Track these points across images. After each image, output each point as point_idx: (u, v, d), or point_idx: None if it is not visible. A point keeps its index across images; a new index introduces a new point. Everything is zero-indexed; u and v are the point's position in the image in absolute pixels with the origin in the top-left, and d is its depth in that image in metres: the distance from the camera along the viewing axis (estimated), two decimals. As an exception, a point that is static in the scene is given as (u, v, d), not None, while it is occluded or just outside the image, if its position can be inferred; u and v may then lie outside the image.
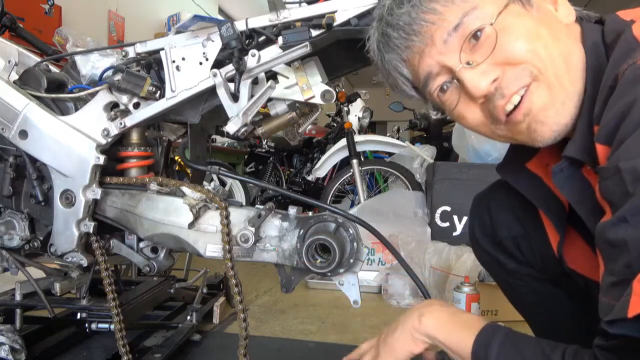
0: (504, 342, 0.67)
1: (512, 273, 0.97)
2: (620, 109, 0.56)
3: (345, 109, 3.69)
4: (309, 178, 4.17)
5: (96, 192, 1.11)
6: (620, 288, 0.53)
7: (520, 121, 0.68)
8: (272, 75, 1.05)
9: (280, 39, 0.99)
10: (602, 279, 0.58)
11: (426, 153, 3.32)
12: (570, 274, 0.84)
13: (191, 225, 1.06)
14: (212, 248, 1.07)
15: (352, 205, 3.51)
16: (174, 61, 1.05)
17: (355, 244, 1.02)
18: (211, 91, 1.05)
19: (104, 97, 1.11)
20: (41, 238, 1.18)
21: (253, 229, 1.03)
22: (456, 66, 0.68)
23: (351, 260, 1.03)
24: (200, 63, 1.04)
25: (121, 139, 1.17)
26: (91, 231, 1.11)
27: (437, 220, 2.66)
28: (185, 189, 1.08)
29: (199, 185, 1.09)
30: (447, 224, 2.66)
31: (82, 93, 1.13)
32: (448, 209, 2.66)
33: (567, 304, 0.94)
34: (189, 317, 1.65)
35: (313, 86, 1.03)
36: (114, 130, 1.10)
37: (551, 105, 0.67)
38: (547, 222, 0.86)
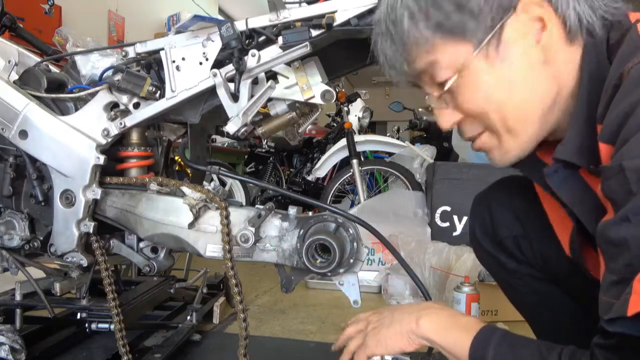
0: (500, 343, 0.68)
1: (513, 273, 0.98)
2: (624, 108, 0.56)
3: (345, 109, 3.69)
4: (309, 178, 4.17)
5: (96, 192, 1.11)
6: (620, 287, 0.53)
7: (477, 149, 0.76)
8: (272, 75, 1.05)
9: (280, 39, 0.99)
10: (602, 278, 0.58)
11: (426, 153, 3.32)
12: (584, 273, 0.82)
13: (191, 225, 1.06)
14: (212, 248, 1.07)
15: (352, 205, 3.51)
16: (174, 61, 1.05)
17: (355, 244, 1.02)
18: (211, 91, 1.05)
19: (104, 97, 1.11)
20: (41, 238, 1.18)
21: (253, 229, 1.03)
22: (429, 102, 0.75)
23: (351, 260, 1.03)
24: (200, 63, 1.04)
25: (121, 139, 1.17)
26: (91, 231, 1.11)
27: (437, 220, 2.66)
28: (185, 189, 1.08)
29: (199, 185, 1.09)
30: (447, 224, 2.66)
31: (82, 93, 1.13)
32: (448, 209, 2.66)
33: (568, 304, 0.94)
34: (189, 317, 1.65)
35: (313, 86, 1.03)
36: (114, 130, 1.10)
37: (500, 151, 0.73)
38: (557, 221, 0.85)
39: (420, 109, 4.18)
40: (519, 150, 0.72)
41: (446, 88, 0.69)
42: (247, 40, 1.01)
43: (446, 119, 0.74)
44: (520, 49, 0.66)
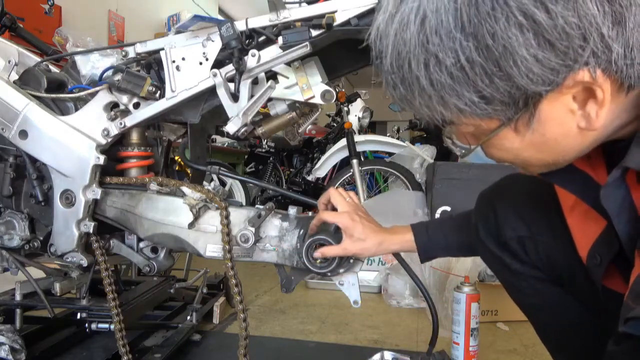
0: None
1: (517, 274, 0.97)
2: None
3: (345, 109, 3.69)
4: (309, 178, 4.16)
5: (96, 192, 1.11)
6: None
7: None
8: (272, 75, 1.05)
9: (280, 39, 0.99)
10: (634, 282, 0.55)
11: (426, 153, 3.32)
12: (595, 281, 0.80)
13: (191, 225, 1.06)
14: (212, 248, 1.07)
15: (352, 205, 3.50)
16: (174, 61, 1.05)
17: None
18: (211, 91, 1.05)
19: (104, 97, 1.11)
20: (41, 238, 1.18)
21: (253, 229, 1.03)
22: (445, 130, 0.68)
23: (351, 260, 1.03)
24: (200, 63, 1.04)
25: (121, 139, 1.17)
26: (91, 231, 1.11)
27: (437, 220, 2.66)
28: (185, 189, 1.08)
29: (199, 185, 1.09)
30: (447, 224, 2.65)
31: (82, 93, 1.13)
32: (448, 209, 2.65)
33: (573, 306, 0.93)
34: (189, 317, 1.65)
35: (313, 86, 1.03)
36: (114, 130, 1.10)
37: (528, 172, 0.69)
38: (578, 225, 0.80)
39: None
40: (569, 159, 0.65)
41: (472, 148, 0.64)
42: (247, 40, 1.01)
43: (463, 151, 0.67)
44: (557, 120, 0.56)
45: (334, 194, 1.04)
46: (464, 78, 0.52)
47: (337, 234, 1.01)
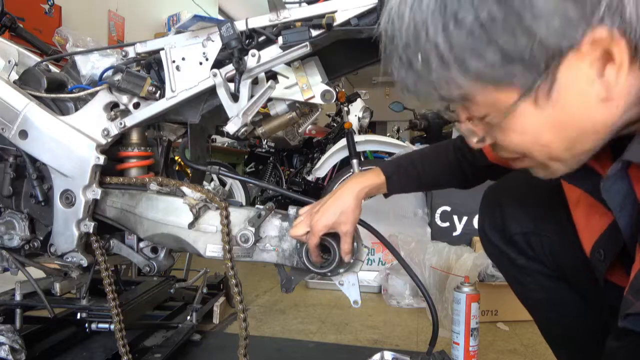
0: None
1: (522, 269, 0.97)
2: None
3: (345, 109, 3.68)
4: (309, 178, 4.16)
5: (96, 192, 1.11)
6: None
7: (516, 168, 0.68)
8: (272, 75, 1.05)
9: (280, 39, 0.99)
10: (634, 277, 0.55)
11: (426, 153, 3.32)
12: (598, 276, 0.79)
13: (191, 225, 1.06)
14: (212, 248, 1.07)
15: (352, 205, 3.50)
16: (174, 61, 1.05)
17: (355, 244, 1.02)
18: (211, 91, 1.05)
19: (104, 97, 1.11)
20: (41, 238, 1.18)
21: (253, 229, 1.03)
22: (456, 117, 0.66)
23: (351, 260, 1.03)
24: (200, 63, 1.04)
25: (121, 139, 1.17)
26: (91, 231, 1.11)
27: (437, 220, 2.66)
28: (185, 189, 1.08)
29: (199, 185, 1.09)
30: (447, 224, 2.65)
31: (82, 93, 1.13)
32: (448, 209, 2.65)
33: (576, 302, 0.93)
34: (189, 317, 1.65)
35: (313, 86, 1.03)
36: (114, 130, 1.10)
37: (545, 172, 0.65)
38: (582, 220, 0.80)
39: (422, 111, 4.17)
40: (567, 170, 0.64)
41: (482, 121, 0.60)
42: (247, 40, 1.01)
43: (476, 141, 0.64)
44: (576, 89, 0.55)
45: (294, 231, 1.02)
46: (485, 35, 0.52)
47: (335, 235, 1.01)
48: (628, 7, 0.50)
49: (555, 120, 0.57)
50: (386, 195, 1.12)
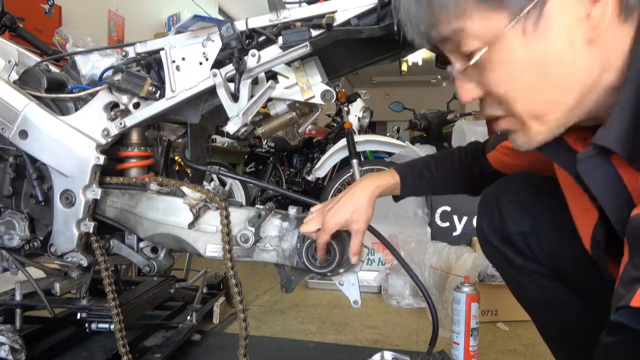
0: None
1: (520, 269, 0.97)
2: None
3: (345, 109, 3.68)
4: (309, 178, 4.16)
5: (96, 192, 1.11)
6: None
7: (499, 130, 0.70)
8: (272, 75, 1.05)
9: (280, 39, 0.99)
10: (623, 271, 0.55)
11: (426, 153, 3.32)
12: (601, 270, 0.79)
13: (191, 225, 1.06)
14: (212, 248, 1.07)
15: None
16: (174, 61, 1.05)
17: (355, 244, 1.02)
18: (211, 91, 1.05)
19: (104, 97, 1.11)
20: (41, 238, 1.18)
21: (253, 229, 1.03)
22: (452, 72, 0.68)
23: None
24: (200, 63, 1.04)
25: (121, 139, 1.17)
26: (91, 231, 1.11)
27: (437, 220, 2.66)
28: (185, 189, 1.08)
29: (199, 185, 1.09)
30: (447, 224, 2.65)
31: (82, 93, 1.13)
32: (448, 209, 2.65)
33: (575, 302, 0.94)
34: (189, 317, 1.65)
35: (313, 86, 1.03)
36: (114, 130, 1.10)
37: (525, 136, 0.67)
38: (579, 212, 0.80)
39: (422, 111, 4.17)
40: (546, 135, 0.66)
41: (472, 62, 0.62)
42: (247, 40, 1.01)
43: (467, 93, 0.67)
44: (563, 23, 0.57)
45: (305, 227, 1.02)
46: None
47: (337, 233, 1.01)
48: None
49: (539, 56, 0.59)
50: (397, 199, 1.12)
